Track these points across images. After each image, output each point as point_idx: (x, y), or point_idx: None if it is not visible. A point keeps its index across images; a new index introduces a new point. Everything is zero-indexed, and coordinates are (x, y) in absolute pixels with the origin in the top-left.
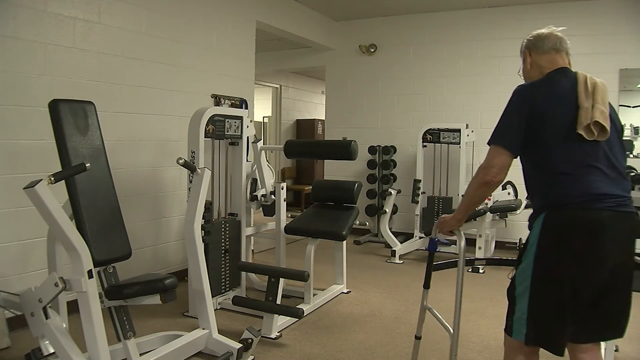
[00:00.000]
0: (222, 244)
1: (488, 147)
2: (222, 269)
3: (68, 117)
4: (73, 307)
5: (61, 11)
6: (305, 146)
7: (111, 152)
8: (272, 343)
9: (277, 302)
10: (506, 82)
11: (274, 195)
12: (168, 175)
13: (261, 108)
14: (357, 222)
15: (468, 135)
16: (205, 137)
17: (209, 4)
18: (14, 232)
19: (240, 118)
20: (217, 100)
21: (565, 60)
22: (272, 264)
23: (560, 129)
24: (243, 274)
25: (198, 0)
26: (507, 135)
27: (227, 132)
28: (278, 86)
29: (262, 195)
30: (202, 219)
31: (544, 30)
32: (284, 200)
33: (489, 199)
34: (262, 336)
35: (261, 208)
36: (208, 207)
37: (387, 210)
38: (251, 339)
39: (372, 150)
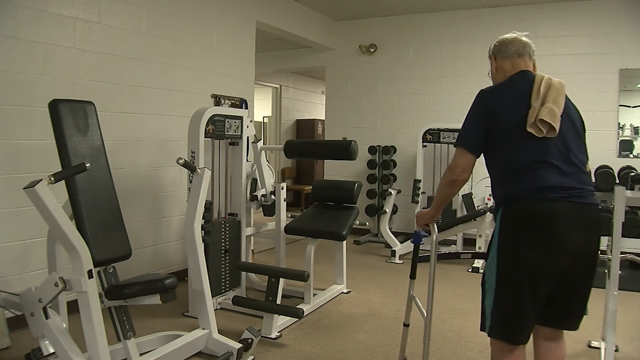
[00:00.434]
0: (222, 244)
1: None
2: (222, 269)
3: (68, 117)
4: (73, 307)
5: (61, 11)
6: (305, 146)
7: (111, 152)
8: (272, 343)
9: (277, 302)
10: None
11: (274, 195)
12: (168, 175)
13: (261, 108)
14: (357, 222)
15: None
16: (205, 137)
17: (209, 4)
18: (14, 232)
19: (240, 118)
20: (217, 100)
21: (528, 64)
22: (272, 264)
23: (512, 129)
24: (243, 274)
25: (198, 0)
26: (468, 137)
27: (227, 132)
28: (278, 86)
29: (262, 195)
30: (202, 219)
31: (508, 36)
32: (284, 200)
33: (489, 199)
34: (262, 336)
35: (261, 208)
36: (208, 207)
37: (387, 210)
38: (251, 339)
39: (372, 150)
